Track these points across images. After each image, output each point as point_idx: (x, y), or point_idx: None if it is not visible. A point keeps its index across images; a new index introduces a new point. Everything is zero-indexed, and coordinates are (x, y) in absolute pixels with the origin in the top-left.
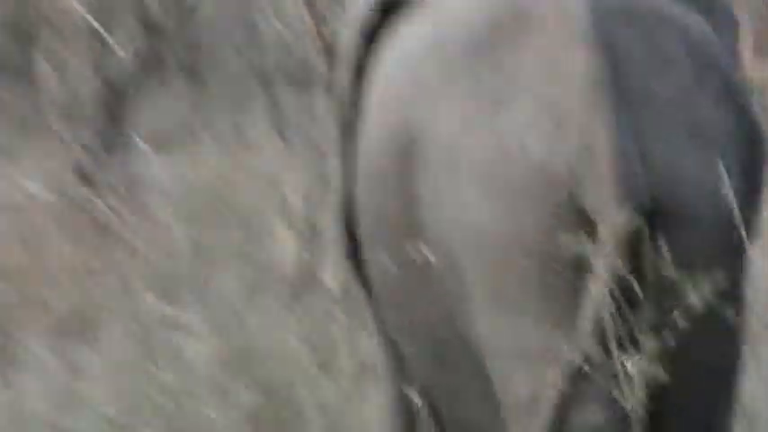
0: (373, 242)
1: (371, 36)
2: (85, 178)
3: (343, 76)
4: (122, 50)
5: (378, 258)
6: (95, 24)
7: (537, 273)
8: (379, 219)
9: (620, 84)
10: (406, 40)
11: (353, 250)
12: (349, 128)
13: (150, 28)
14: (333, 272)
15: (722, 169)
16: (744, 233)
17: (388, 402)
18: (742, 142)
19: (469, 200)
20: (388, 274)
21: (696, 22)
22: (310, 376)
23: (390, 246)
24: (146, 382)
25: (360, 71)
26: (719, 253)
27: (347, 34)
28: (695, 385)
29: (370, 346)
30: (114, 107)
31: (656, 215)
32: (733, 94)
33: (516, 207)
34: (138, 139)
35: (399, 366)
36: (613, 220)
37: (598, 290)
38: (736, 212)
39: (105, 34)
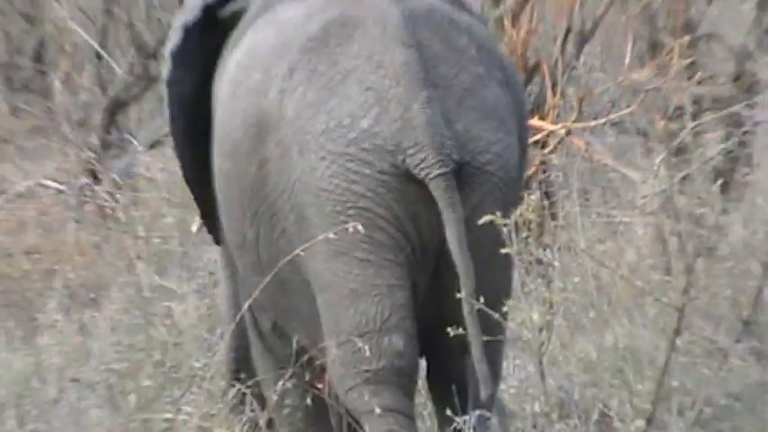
0: (228, 205)
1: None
2: (92, 174)
3: (186, 78)
4: (120, 69)
5: (231, 215)
6: (98, 49)
7: (363, 226)
8: (235, 186)
9: (429, 73)
10: (252, 44)
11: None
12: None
13: (142, 49)
14: None
15: (507, 136)
16: (520, 183)
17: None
18: (516, 116)
19: (313, 165)
20: (238, 228)
21: (477, 25)
22: None
23: (243, 204)
24: (143, 339)
25: (203, 73)
26: (507, 192)
27: (181, 45)
28: (487, 271)
29: None
30: (114, 115)
31: (461, 170)
32: (511, 82)
33: (348, 171)
34: (133, 141)
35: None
36: (436, 176)
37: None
38: (518, 169)
39: (106, 56)
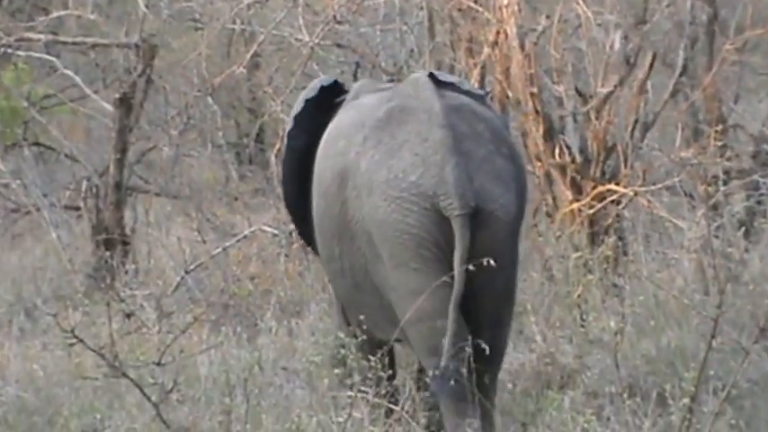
0: (321, 229)
1: (317, 118)
2: None
3: (300, 135)
4: None
5: (323, 236)
6: None
7: (414, 246)
8: (326, 217)
9: (458, 147)
10: (341, 120)
11: (306, 232)
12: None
13: None
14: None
15: (509, 193)
16: (518, 225)
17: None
18: (516, 180)
19: (378, 205)
20: (328, 245)
21: (492, 115)
22: None
23: (332, 230)
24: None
25: (313, 137)
26: (509, 235)
27: (301, 112)
28: (493, 297)
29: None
30: None
31: (476, 215)
32: (514, 157)
33: (402, 209)
34: None
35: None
36: (457, 216)
37: (457, 255)
38: (516, 215)
39: None
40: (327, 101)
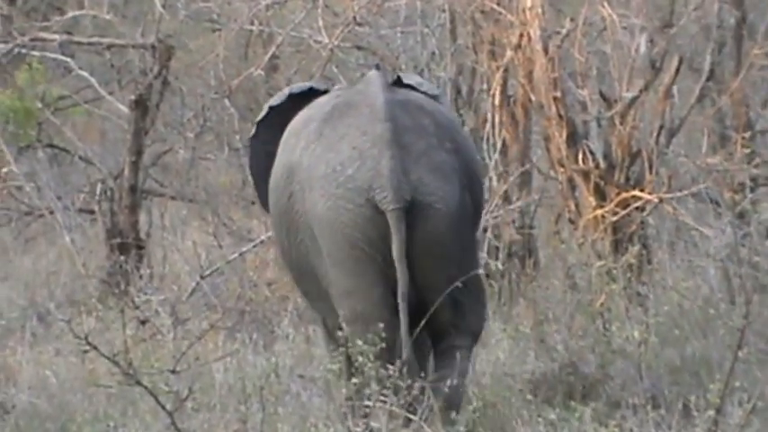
0: (273, 223)
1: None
2: None
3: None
4: None
5: (276, 229)
6: None
7: (348, 247)
8: (275, 210)
9: (397, 140)
10: (296, 119)
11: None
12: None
13: None
14: None
15: (450, 185)
16: (468, 216)
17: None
18: (461, 173)
19: (317, 200)
20: (279, 238)
21: (439, 109)
22: None
23: (281, 222)
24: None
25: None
26: (451, 228)
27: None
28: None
29: None
30: None
31: (413, 208)
32: (460, 151)
33: (338, 205)
34: None
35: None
36: (392, 210)
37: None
38: (459, 208)
39: None
40: (302, 107)
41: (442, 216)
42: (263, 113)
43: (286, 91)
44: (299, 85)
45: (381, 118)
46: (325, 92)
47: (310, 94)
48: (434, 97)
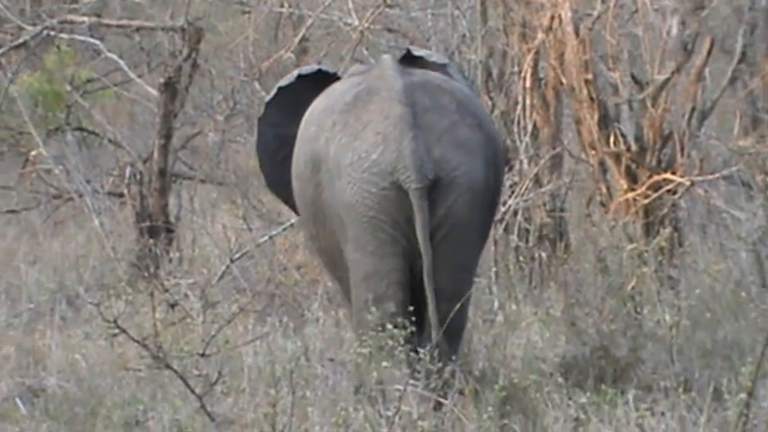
0: (300, 210)
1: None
2: None
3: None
4: None
5: (303, 217)
6: None
7: (371, 230)
8: (301, 199)
9: (418, 121)
10: (314, 107)
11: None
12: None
13: None
14: None
15: (474, 160)
16: (490, 194)
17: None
18: (485, 149)
19: (344, 188)
20: (306, 226)
21: (457, 87)
22: None
23: (308, 211)
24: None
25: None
26: (474, 203)
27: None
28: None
29: None
30: None
31: (437, 185)
32: (483, 127)
33: (363, 189)
34: None
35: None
36: (415, 189)
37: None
38: (484, 183)
39: None
40: (311, 88)
41: (465, 192)
42: (271, 94)
43: (295, 72)
44: (308, 67)
45: (401, 101)
46: (334, 74)
47: (318, 76)
48: (442, 66)
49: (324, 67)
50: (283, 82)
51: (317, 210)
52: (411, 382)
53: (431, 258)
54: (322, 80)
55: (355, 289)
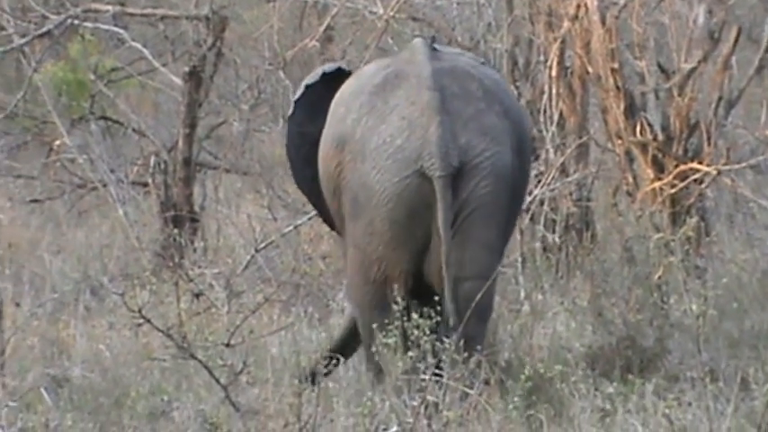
0: (324, 189)
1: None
2: None
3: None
4: None
5: (326, 195)
6: None
7: (390, 216)
8: (324, 179)
9: (445, 107)
10: (344, 89)
11: (324, 213)
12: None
13: None
14: None
15: (500, 147)
16: (516, 181)
17: None
18: (511, 136)
19: (367, 170)
20: (329, 203)
21: (487, 74)
22: None
23: (329, 189)
24: None
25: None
26: (499, 189)
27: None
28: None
29: None
30: None
31: (462, 172)
32: (510, 114)
33: (386, 177)
34: None
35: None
36: (439, 177)
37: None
38: (511, 171)
39: None
40: (333, 87)
41: (491, 177)
42: (299, 92)
43: (319, 71)
44: (330, 65)
45: (429, 86)
46: (350, 73)
47: (341, 75)
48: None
49: (344, 66)
50: (309, 80)
51: (336, 186)
52: (436, 371)
53: (449, 246)
54: (342, 78)
55: (360, 269)
